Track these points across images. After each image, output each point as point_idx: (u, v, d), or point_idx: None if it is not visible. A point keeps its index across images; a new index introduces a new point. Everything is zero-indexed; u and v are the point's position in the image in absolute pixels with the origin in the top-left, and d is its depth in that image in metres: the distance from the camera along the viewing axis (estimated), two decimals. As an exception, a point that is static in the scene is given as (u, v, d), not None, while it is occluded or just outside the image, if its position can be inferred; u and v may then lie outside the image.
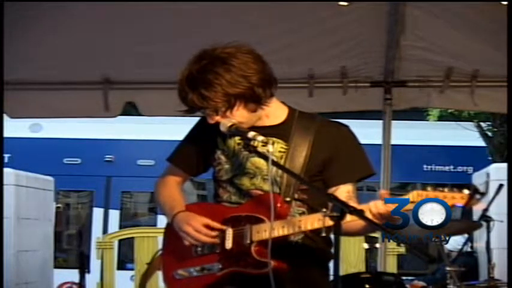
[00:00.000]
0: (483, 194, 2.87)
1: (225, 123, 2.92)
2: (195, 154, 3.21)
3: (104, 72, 5.54)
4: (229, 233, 3.00)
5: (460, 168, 13.03)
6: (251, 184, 3.05)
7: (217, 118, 2.95)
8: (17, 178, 8.42)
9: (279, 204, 2.93)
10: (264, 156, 2.88)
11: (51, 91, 5.62)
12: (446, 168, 13.12)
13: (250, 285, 2.96)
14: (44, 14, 4.62)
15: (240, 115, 2.95)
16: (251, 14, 4.77)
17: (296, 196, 3.02)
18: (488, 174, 5.31)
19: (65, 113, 5.97)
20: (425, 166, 13.07)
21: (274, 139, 3.02)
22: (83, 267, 6.61)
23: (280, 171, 2.98)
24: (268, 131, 3.00)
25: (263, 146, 2.87)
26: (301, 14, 4.84)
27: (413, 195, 2.83)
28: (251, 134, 2.88)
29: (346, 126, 3.12)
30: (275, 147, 3.00)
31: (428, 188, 2.82)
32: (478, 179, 8.07)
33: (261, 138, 2.86)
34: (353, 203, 2.85)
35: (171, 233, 3.13)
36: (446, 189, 2.82)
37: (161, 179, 3.30)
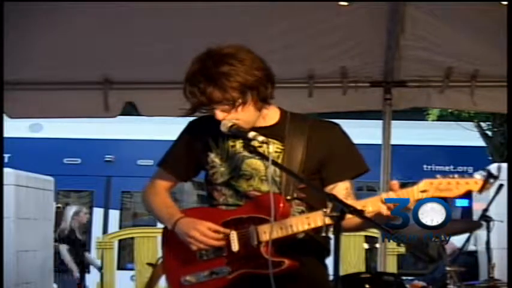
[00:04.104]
0: (496, 178, 2.87)
1: (226, 123, 2.93)
2: (186, 159, 3.20)
3: (104, 72, 5.54)
4: (234, 235, 3.00)
5: (460, 168, 13.04)
6: (248, 186, 3.05)
7: (224, 115, 2.94)
8: (17, 178, 8.42)
9: (281, 204, 2.94)
10: (265, 156, 2.90)
11: (51, 91, 5.62)
12: (446, 168, 13.13)
13: (261, 285, 2.94)
14: (44, 14, 4.61)
15: (248, 112, 2.96)
16: (251, 14, 4.77)
17: (295, 195, 3.03)
18: (499, 168, 5.27)
19: (65, 113, 5.96)
20: (425, 166, 13.08)
21: (270, 139, 3.01)
22: (83, 267, 6.62)
23: (278, 171, 3.00)
24: (264, 132, 3.00)
25: (259, 146, 2.89)
26: (301, 14, 4.84)
27: (425, 184, 2.84)
28: (251, 134, 2.90)
29: (338, 125, 3.15)
30: (271, 148, 3.00)
31: (438, 176, 2.83)
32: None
33: (261, 138, 2.88)
34: (352, 200, 2.90)
35: (171, 239, 3.12)
36: (456, 176, 2.82)
37: (151, 185, 3.28)
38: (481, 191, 2.85)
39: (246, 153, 3.03)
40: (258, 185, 3.04)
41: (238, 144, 3.05)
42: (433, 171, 13.08)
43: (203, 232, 2.99)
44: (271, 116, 3.10)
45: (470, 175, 2.81)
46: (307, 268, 3.02)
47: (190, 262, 3.05)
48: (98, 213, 13.23)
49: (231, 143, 3.07)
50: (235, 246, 2.99)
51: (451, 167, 13.11)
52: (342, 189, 3.02)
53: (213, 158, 3.10)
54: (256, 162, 3.02)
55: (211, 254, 3.02)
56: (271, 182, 2.98)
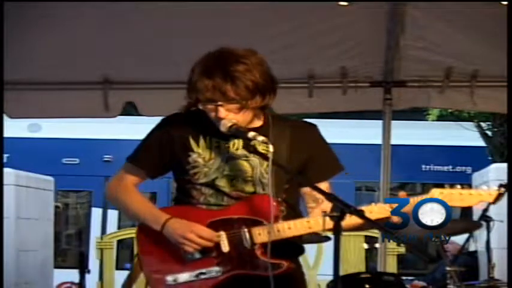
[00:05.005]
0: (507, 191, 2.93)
1: (226, 123, 2.93)
2: (159, 156, 3.15)
3: (104, 72, 5.54)
4: (223, 236, 2.99)
5: (458, 169, 13.05)
6: (231, 186, 3.05)
7: (226, 114, 2.93)
8: (17, 178, 8.41)
9: (274, 203, 2.96)
10: (265, 156, 2.90)
11: (51, 91, 5.62)
12: (445, 168, 13.14)
13: (255, 286, 2.97)
14: (44, 14, 4.62)
15: (247, 115, 2.98)
16: (251, 14, 4.78)
17: (281, 196, 3.05)
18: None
19: (65, 113, 5.96)
20: (424, 166, 13.08)
21: (256, 141, 3.01)
22: (83, 267, 6.61)
23: (265, 173, 3.01)
24: None
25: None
26: (301, 14, 4.85)
27: (434, 193, 2.88)
28: (251, 134, 2.91)
29: (316, 125, 3.19)
30: (257, 149, 3.02)
31: (446, 186, 2.87)
32: (478, 179, 8.07)
33: (261, 138, 2.89)
34: None
35: (150, 238, 3.08)
36: (465, 186, 2.86)
37: (118, 181, 3.23)
38: (494, 202, 2.90)
39: (230, 154, 3.05)
40: (242, 185, 3.04)
41: (223, 145, 3.05)
42: (432, 171, 13.09)
43: (199, 234, 2.97)
44: (255, 119, 3.10)
45: (469, 175, 2.85)
46: (294, 269, 3.04)
47: (175, 262, 3.03)
48: (96, 213, 13.21)
49: (214, 144, 3.06)
50: (225, 247, 2.98)
51: (450, 167, 13.12)
52: (324, 189, 3.03)
53: (196, 158, 3.06)
54: (241, 163, 3.03)
55: (198, 254, 3.00)
56: (257, 183, 3.02)
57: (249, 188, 3.04)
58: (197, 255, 3.01)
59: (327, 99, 5.72)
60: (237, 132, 2.95)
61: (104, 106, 5.64)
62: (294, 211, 3.07)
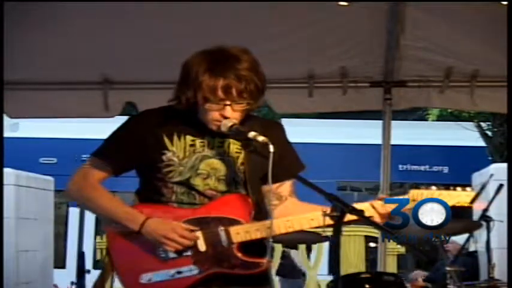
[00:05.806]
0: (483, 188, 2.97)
1: (226, 123, 2.94)
2: (128, 152, 3.11)
3: (104, 72, 5.54)
4: (199, 235, 2.98)
5: (437, 167, 13.10)
6: (205, 185, 3.03)
7: (230, 113, 2.94)
8: (17, 178, 8.41)
9: (249, 200, 2.99)
10: (264, 156, 2.89)
11: (51, 91, 5.62)
12: (422, 167, 13.18)
13: (234, 285, 2.98)
14: (44, 14, 4.62)
15: (243, 116, 2.99)
16: (251, 14, 4.78)
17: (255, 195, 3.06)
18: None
19: (65, 113, 5.96)
20: (401, 166, 13.09)
21: (231, 140, 3.04)
22: (82, 267, 6.62)
23: (239, 173, 3.02)
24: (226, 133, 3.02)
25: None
26: (301, 14, 4.85)
27: (412, 195, 2.87)
28: (251, 134, 2.91)
29: (282, 124, 3.22)
30: (231, 148, 3.05)
31: (422, 187, 2.88)
32: (478, 178, 8.07)
33: (261, 138, 2.89)
34: (296, 196, 3.07)
35: (122, 236, 3.05)
36: (442, 187, 2.87)
37: (82, 177, 3.16)
38: (471, 202, 2.91)
39: (205, 153, 3.04)
40: (215, 184, 3.04)
41: (197, 143, 3.05)
42: (409, 171, 13.11)
43: (181, 234, 2.96)
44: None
45: (446, 175, 2.86)
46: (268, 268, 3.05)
47: (149, 261, 3.00)
48: (74, 213, 13.16)
49: (189, 142, 3.05)
50: (202, 246, 2.97)
51: (426, 166, 13.17)
52: (288, 187, 3.10)
53: (170, 156, 3.04)
54: (216, 162, 3.03)
55: (173, 253, 2.98)
56: (231, 182, 3.03)
57: (222, 187, 3.03)
58: (172, 254, 2.98)
59: (327, 99, 5.72)
60: (238, 132, 2.95)
61: (104, 106, 5.64)
62: (259, 207, 3.06)
